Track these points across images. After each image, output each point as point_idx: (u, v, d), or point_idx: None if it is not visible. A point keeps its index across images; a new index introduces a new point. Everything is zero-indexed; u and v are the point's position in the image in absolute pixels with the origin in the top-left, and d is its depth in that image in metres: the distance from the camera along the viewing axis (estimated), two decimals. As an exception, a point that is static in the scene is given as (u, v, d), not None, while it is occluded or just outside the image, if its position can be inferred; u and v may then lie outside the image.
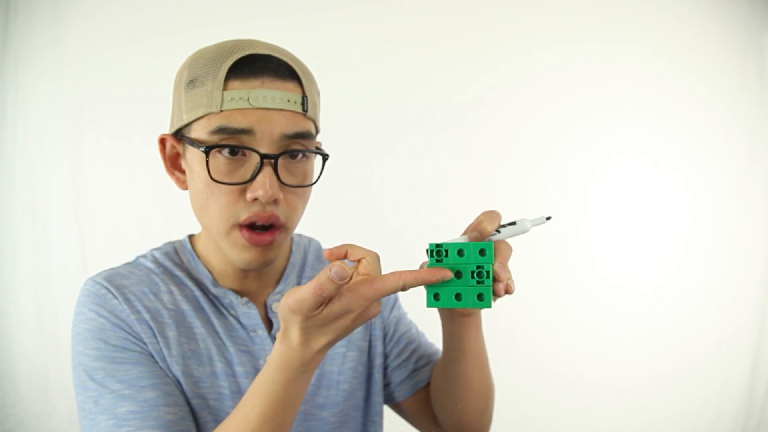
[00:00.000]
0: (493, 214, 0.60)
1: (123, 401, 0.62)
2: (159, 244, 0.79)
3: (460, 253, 0.55)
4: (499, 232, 0.59)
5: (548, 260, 1.84)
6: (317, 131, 0.73)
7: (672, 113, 1.89)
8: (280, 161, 0.65)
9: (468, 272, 0.55)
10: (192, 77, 0.66)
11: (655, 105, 1.89)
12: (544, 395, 1.86)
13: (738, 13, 1.89)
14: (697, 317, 1.91)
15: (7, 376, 1.78)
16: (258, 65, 0.65)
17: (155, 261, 0.75)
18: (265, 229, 0.67)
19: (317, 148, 0.71)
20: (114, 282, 0.70)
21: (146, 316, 0.68)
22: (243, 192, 0.65)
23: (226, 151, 0.64)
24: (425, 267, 0.55)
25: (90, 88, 1.81)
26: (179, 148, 0.70)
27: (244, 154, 0.65)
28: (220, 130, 0.63)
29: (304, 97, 0.67)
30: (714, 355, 1.90)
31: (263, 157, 0.63)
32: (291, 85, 0.66)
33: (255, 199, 0.64)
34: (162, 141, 0.72)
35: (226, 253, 0.69)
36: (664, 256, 1.93)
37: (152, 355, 0.67)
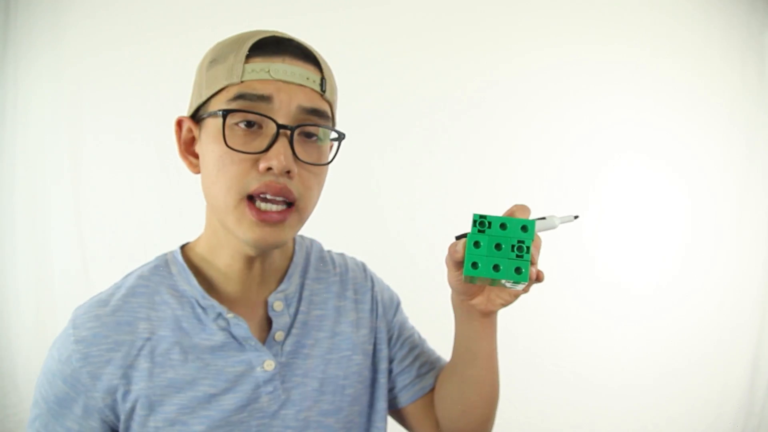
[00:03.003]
0: (523, 208, 0.62)
1: None
2: (158, 246, 0.78)
3: (503, 226, 0.56)
4: None
5: (548, 260, 1.83)
6: (333, 122, 0.72)
7: (672, 113, 1.89)
8: (296, 137, 0.65)
9: (508, 245, 0.56)
10: (214, 57, 0.67)
11: (655, 105, 1.89)
12: (544, 395, 1.86)
13: (738, 13, 1.89)
14: (698, 317, 1.91)
15: (7, 377, 1.78)
16: (281, 46, 0.66)
17: (141, 277, 0.73)
18: (275, 204, 0.65)
19: (339, 133, 0.70)
20: (87, 321, 0.68)
21: (113, 355, 0.67)
22: (255, 163, 0.64)
23: (242, 123, 0.64)
24: (465, 238, 0.57)
25: (90, 88, 1.81)
26: (195, 132, 0.70)
27: (260, 126, 0.64)
28: (239, 97, 0.63)
29: (323, 78, 0.68)
30: (714, 355, 1.90)
31: (280, 127, 0.63)
32: (311, 67, 0.68)
33: (268, 170, 0.63)
34: (179, 123, 0.72)
35: (233, 233, 0.67)
36: (665, 257, 1.93)
37: (106, 410, 0.67)
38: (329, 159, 0.71)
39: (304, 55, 0.67)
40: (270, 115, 0.64)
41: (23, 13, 1.79)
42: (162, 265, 0.75)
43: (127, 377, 0.67)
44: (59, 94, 1.81)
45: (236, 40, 0.67)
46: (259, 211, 0.65)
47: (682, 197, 1.94)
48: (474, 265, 0.56)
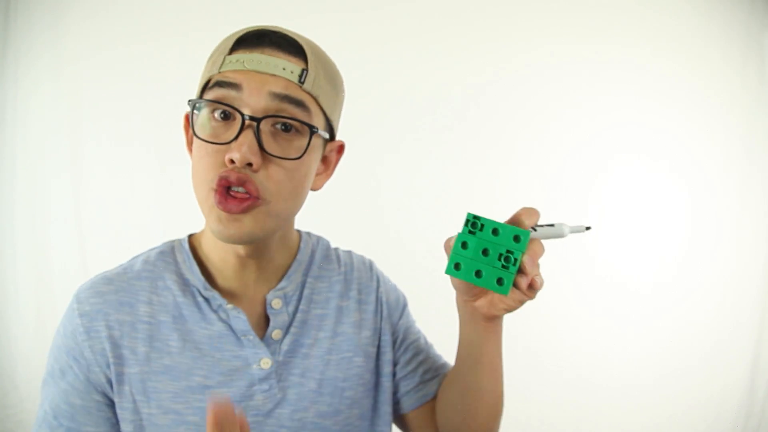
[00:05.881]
0: (531, 211, 0.58)
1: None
2: (158, 243, 0.78)
3: (495, 232, 0.53)
4: (535, 230, 0.57)
5: (548, 260, 1.83)
6: (329, 121, 0.70)
7: (672, 113, 1.89)
8: (269, 129, 0.64)
9: (496, 253, 0.53)
10: (211, 53, 0.69)
11: (655, 105, 1.89)
12: (544, 395, 1.86)
13: (738, 13, 1.89)
14: (698, 317, 1.91)
15: (7, 376, 1.78)
16: (264, 39, 0.66)
17: (147, 262, 0.74)
18: (237, 192, 0.62)
19: (310, 126, 0.65)
20: (90, 296, 0.69)
21: (113, 333, 0.68)
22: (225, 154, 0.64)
23: (217, 114, 0.64)
24: (456, 236, 0.55)
25: (90, 88, 1.81)
26: None
27: (234, 118, 0.64)
28: (215, 85, 0.64)
29: (305, 70, 0.65)
30: (714, 355, 1.90)
31: (245, 118, 0.62)
32: (293, 58, 0.66)
33: (232, 162, 0.62)
34: (187, 118, 0.71)
35: (208, 225, 0.67)
36: (665, 256, 1.93)
37: (92, 382, 0.68)
38: (309, 158, 0.67)
39: (288, 44, 0.66)
40: (239, 105, 0.63)
41: (23, 13, 1.79)
42: (168, 251, 0.75)
43: (122, 359, 0.67)
44: (59, 94, 1.81)
45: (230, 36, 0.68)
46: (221, 197, 0.62)
47: (682, 197, 1.94)
48: (456, 266, 0.54)
